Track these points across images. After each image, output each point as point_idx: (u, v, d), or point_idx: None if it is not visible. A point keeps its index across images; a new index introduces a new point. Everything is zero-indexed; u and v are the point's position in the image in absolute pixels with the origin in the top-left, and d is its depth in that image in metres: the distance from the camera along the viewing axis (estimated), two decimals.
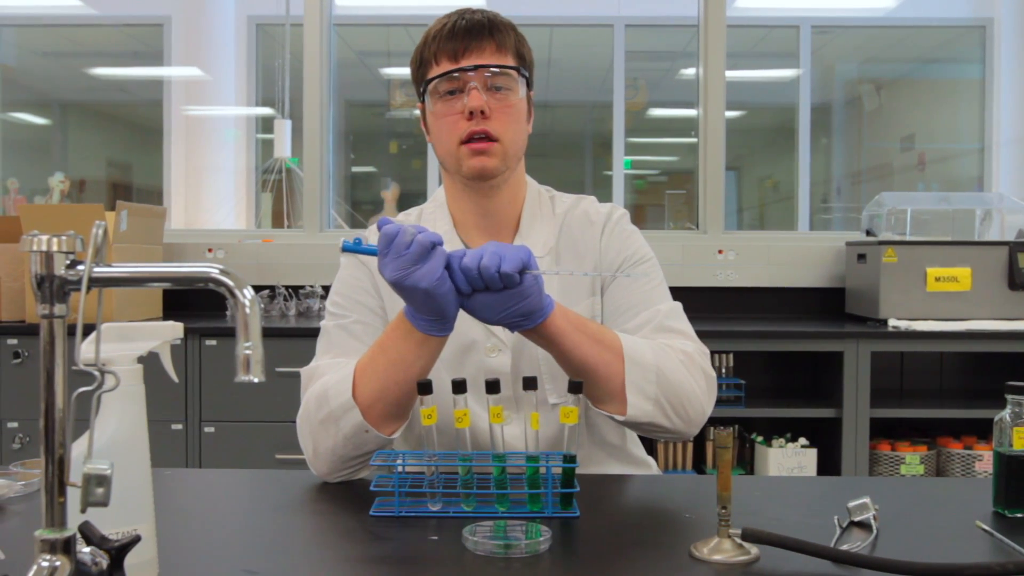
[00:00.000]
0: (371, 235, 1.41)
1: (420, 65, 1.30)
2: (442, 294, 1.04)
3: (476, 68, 1.24)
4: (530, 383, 1.07)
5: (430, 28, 1.30)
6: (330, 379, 1.18)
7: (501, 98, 1.26)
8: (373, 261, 1.35)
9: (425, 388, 1.05)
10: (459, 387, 1.05)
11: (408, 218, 1.41)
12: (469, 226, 1.35)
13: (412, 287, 1.03)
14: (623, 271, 1.33)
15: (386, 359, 1.13)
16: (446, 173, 1.36)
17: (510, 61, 1.27)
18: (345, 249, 1.08)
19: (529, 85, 1.32)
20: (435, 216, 1.37)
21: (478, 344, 1.30)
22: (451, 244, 1.33)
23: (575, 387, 1.04)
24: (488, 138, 1.25)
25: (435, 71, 1.27)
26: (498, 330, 1.29)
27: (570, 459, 1.04)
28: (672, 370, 1.19)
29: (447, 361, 1.29)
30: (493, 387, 1.05)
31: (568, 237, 1.36)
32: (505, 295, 1.05)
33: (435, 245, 1.04)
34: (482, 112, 1.24)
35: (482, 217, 1.34)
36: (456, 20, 1.27)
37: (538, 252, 1.32)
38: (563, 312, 1.13)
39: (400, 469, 1.07)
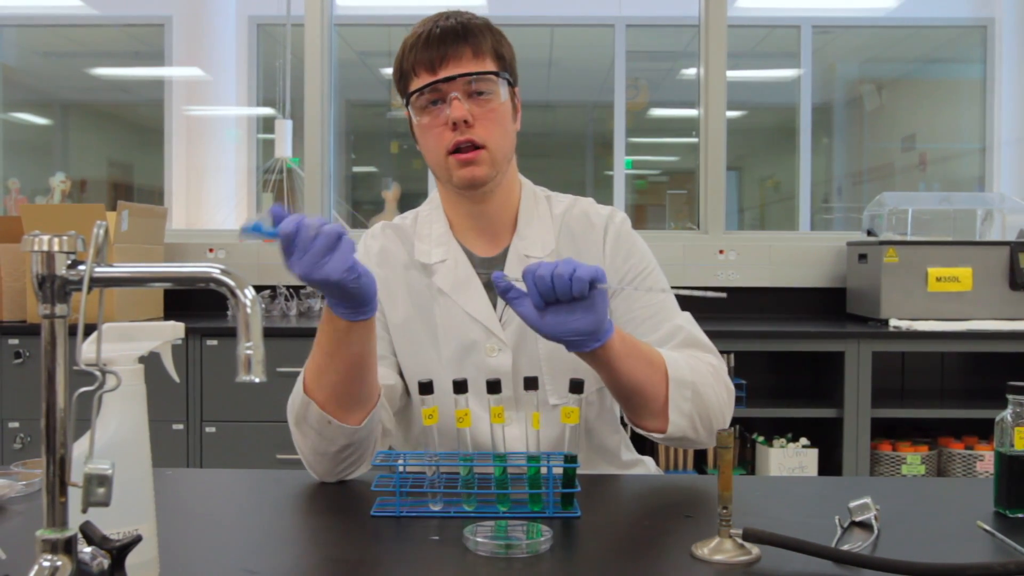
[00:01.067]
0: (369, 237, 1.41)
1: (400, 77, 1.29)
2: (352, 282, 1.02)
3: (454, 78, 1.23)
4: (531, 383, 1.07)
5: (407, 37, 1.28)
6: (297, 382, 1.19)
7: (483, 103, 1.25)
8: (373, 265, 1.35)
9: (426, 388, 1.05)
10: (460, 387, 1.05)
11: (404, 221, 1.40)
12: (465, 229, 1.35)
13: (323, 280, 1.00)
14: (627, 281, 1.33)
15: (322, 353, 1.13)
16: (438, 179, 1.35)
17: (489, 65, 1.26)
18: (244, 231, 0.98)
19: (513, 83, 1.31)
20: (431, 219, 1.37)
21: (479, 344, 1.30)
22: (448, 247, 1.33)
23: (576, 387, 1.05)
24: (474, 146, 1.25)
25: (415, 84, 1.26)
26: (498, 330, 1.29)
27: (571, 459, 1.04)
28: (705, 386, 1.20)
29: (448, 361, 1.29)
30: (494, 387, 1.05)
31: (568, 238, 1.36)
32: (573, 307, 1.05)
33: (341, 236, 1.00)
34: (465, 121, 1.23)
35: (477, 220, 1.34)
36: (431, 28, 1.25)
37: (539, 253, 1.32)
38: (620, 335, 1.14)
39: (401, 469, 1.07)
